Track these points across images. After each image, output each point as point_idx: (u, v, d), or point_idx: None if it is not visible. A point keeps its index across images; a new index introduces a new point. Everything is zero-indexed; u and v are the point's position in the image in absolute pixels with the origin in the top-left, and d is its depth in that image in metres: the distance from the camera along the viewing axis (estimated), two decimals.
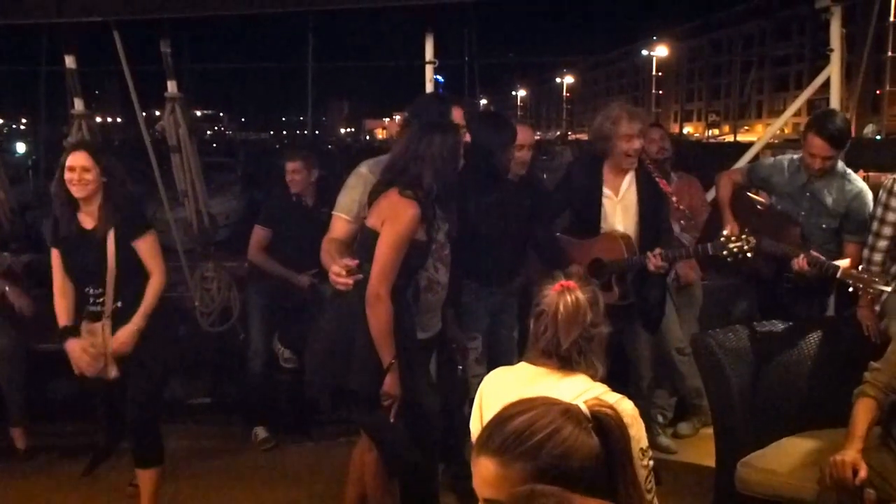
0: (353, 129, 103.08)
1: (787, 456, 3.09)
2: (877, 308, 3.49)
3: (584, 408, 1.30)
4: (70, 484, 3.95)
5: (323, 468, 4.06)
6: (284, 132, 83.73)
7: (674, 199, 3.81)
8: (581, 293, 2.03)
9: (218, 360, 4.99)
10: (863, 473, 2.58)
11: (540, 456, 1.23)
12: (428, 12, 4.92)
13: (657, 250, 3.54)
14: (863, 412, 2.76)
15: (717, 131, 65.31)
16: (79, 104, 5.02)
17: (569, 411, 1.29)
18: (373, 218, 2.85)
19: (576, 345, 2.01)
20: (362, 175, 3.10)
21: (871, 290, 3.20)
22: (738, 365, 3.24)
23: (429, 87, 4.98)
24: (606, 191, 3.77)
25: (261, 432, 4.43)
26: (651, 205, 3.74)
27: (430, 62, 4.95)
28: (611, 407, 1.34)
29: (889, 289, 3.21)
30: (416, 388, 2.89)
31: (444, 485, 3.53)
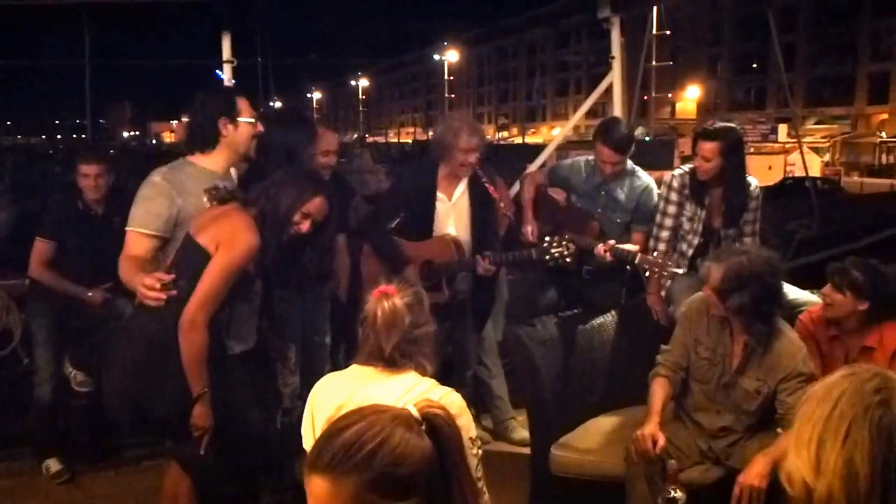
0: (137, 133, 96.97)
1: (596, 435, 3.31)
2: (663, 294, 3.83)
3: (413, 411, 1.30)
4: None
5: (126, 498, 3.79)
6: (59, 136, 77.18)
7: (501, 204, 3.94)
8: (399, 298, 2.04)
9: None
10: (661, 443, 2.85)
11: (371, 467, 1.21)
12: (225, 10, 4.73)
13: (487, 253, 3.69)
14: (658, 389, 3.04)
15: (506, 133, 68.63)
16: None
17: (398, 417, 1.27)
18: (205, 235, 2.62)
19: (398, 348, 2.03)
20: (157, 184, 2.88)
21: (666, 273, 3.52)
22: (546, 353, 3.41)
23: None
24: (440, 195, 3.87)
25: (53, 465, 4.03)
26: (482, 209, 3.88)
27: (227, 61, 4.78)
28: (440, 407, 1.34)
29: (682, 271, 3.56)
30: (237, 406, 2.76)
31: None
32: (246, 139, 2.97)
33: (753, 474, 2.66)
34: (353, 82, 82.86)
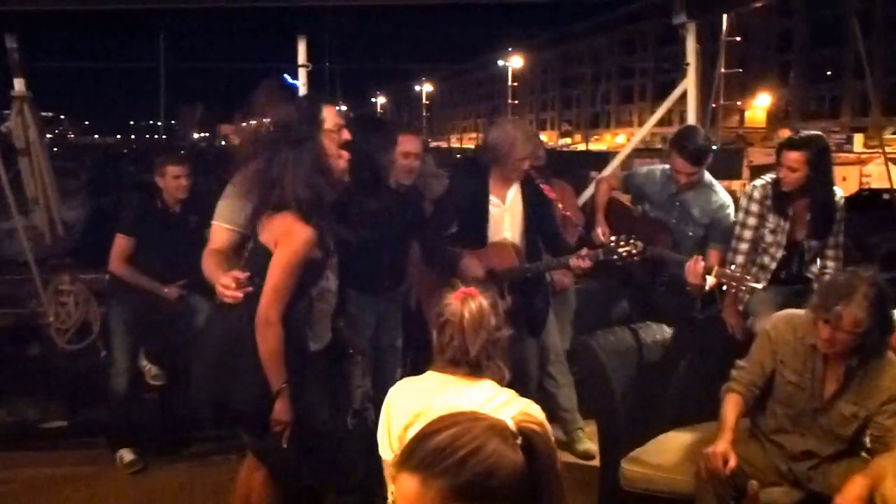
0: (207, 134, 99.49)
1: (666, 451, 3.23)
2: (740, 308, 3.72)
3: (511, 423, 1.28)
4: None
5: (196, 490, 3.85)
6: (133, 136, 79.74)
7: (559, 205, 3.88)
8: (483, 299, 2.03)
9: (76, 379, 4.65)
10: (732, 463, 2.76)
11: (462, 473, 1.19)
12: (301, 15, 4.81)
13: (584, 251, 3.57)
14: (731, 407, 2.94)
15: (569, 140, 68.13)
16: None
17: (494, 427, 1.24)
18: (265, 234, 2.70)
19: (483, 350, 2.01)
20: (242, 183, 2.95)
21: (744, 287, 3.39)
22: (618, 365, 3.35)
23: (301, 92, 4.87)
24: (493, 198, 3.78)
25: (127, 454, 4.14)
26: (537, 211, 3.79)
27: (303, 65, 4.85)
28: (539, 423, 1.31)
29: (760, 285, 3.43)
30: (311, 403, 2.79)
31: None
32: (333, 147, 2.97)
33: (852, 497, 2.54)
34: (417, 87, 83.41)
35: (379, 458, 2.08)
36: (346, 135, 2.96)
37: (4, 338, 4.51)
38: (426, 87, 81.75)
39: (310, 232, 2.64)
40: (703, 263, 3.47)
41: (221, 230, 2.92)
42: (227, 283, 2.67)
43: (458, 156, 46.14)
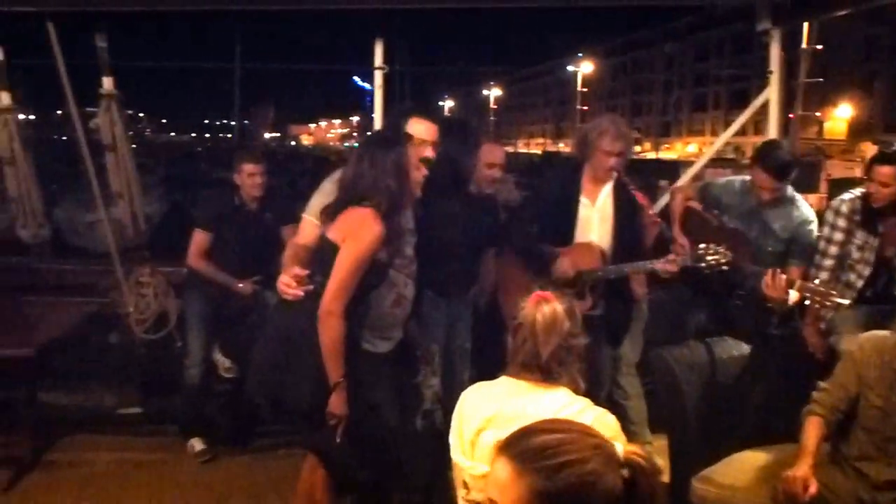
0: (278, 134, 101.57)
1: (741, 471, 3.12)
2: (822, 325, 3.59)
3: (619, 450, 1.25)
4: None
5: (262, 482, 3.93)
6: (207, 135, 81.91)
7: (650, 212, 3.80)
8: (558, 304, 2.01)
9: (151, 368, 4.79)
10: (812, 489, 2.65)
11: (556, 478, 1.19)
12: (379, 19, 4.85)
13: (671, 255, 3.50)
14: (812, 430, 2.82)
15: (638, 148, 67.19)
16: (5, 98, 4.76)
17: (602, 448, 1.23)
18: (334, 231, 2.74)
19: (555, 356, 1.98)
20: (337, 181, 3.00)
21: (829, 303, 3.26)
22: (692, 380, 3.27)
23: (378, 94, 4.92)
24: (584, 199, 3.72)
25: (197, 444, 4.25)
26: (627, 215, 3.71)
27: (379, 68, 4.88)
28: (650, 462, 1.27)
29: (847, 301, 3.30)
30: (378, 403, 2.81)
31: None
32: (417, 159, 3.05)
33: None
34: (485, 91, 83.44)
35: (448, 459, 2.07)
36: (429, 151, 3.00)
37: (88, 325, 4.66)
38: (494, 92, 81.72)
39: (379, 229, 2.67)
40: (783, 276, 3.36)
41: (310, 225, 2.97)
42: (287, 281, 2.72)
43: (524, 161, 45.97)
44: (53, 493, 3.77)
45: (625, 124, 3.73)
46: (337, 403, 2.68)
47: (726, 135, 6.02)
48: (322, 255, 2.76)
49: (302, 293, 2.71)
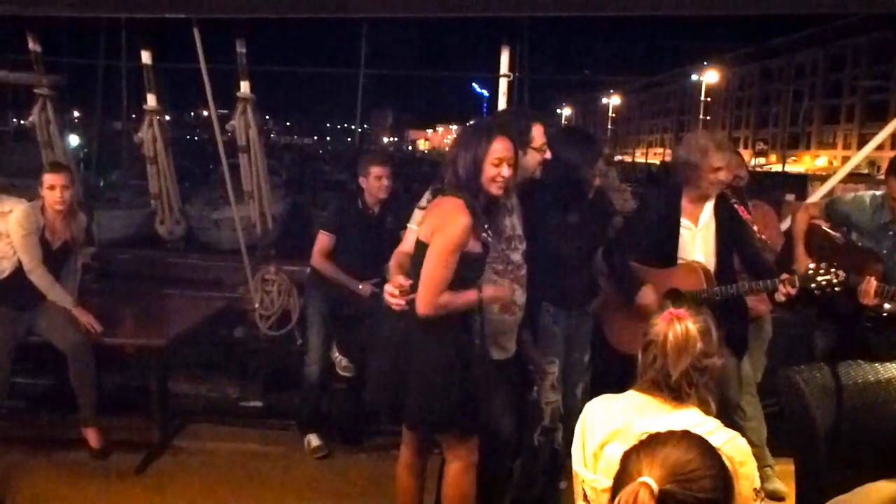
0: (395, 139, 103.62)
1: (873, 502, 2.94)
2: None
3: (654, 486, 1.40)
4: (124, 480, 3.94)
5: (374, 481, 3.98)
6: (328, 138, 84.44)
7: (755, 227, 3.66)
8: (692, 323, 1.94)
9: (273, 364, 4.96)
10: None
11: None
12: (507, 26, 4.86)
13: (784, 276, 3.38)
14: None
15: (763, 160, 64.39)
16: (151, 100, 5.06)
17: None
18: (423, 229, 2.75)
19: (686, 375, 1.92)
20: None
21: None
22: (823, 404, 3.09)
23: (501, 101, 4.93)
24: (685, 221, 3.63)
25: (314, 440, 4.36)
26: (731, 234, 3.61)
27: (504, 75, 4.89)
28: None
29: None
30: (489, 411, 2.80)
31: None
32: (534, 165, 3.10)
33: None
34: (604, 99, 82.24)
35: (568, 473, 2.04)
36: (547, 154, 3.03)
37: (216, 319, 4.87)
38: (614, 100, 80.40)
39: (467, 220, 2.64)
40: (873, 281, 3.21)
41: (413, 233, 3.00)
42: (391, 291, 2.74)
43: (641, 171, 44.93)
44: (179, 478, 3.95)
45: (720, 135, 3.63)
46: (491, 296, 2.79)
47: (867, 149, 5.61)
48: (418, 260, 2.75)
49: (405, 303, 2.71)
